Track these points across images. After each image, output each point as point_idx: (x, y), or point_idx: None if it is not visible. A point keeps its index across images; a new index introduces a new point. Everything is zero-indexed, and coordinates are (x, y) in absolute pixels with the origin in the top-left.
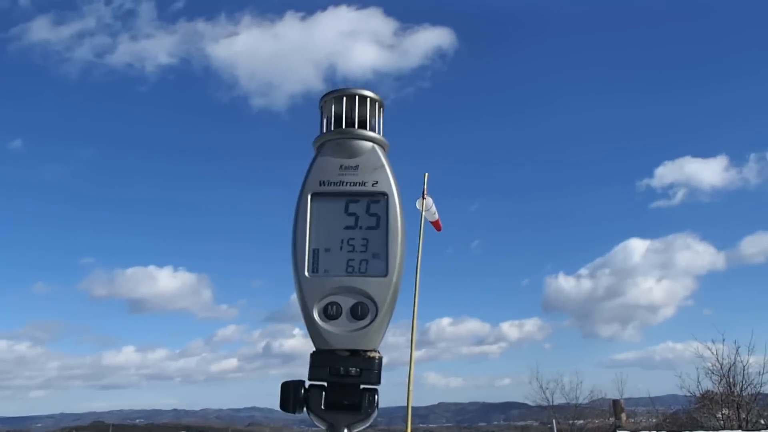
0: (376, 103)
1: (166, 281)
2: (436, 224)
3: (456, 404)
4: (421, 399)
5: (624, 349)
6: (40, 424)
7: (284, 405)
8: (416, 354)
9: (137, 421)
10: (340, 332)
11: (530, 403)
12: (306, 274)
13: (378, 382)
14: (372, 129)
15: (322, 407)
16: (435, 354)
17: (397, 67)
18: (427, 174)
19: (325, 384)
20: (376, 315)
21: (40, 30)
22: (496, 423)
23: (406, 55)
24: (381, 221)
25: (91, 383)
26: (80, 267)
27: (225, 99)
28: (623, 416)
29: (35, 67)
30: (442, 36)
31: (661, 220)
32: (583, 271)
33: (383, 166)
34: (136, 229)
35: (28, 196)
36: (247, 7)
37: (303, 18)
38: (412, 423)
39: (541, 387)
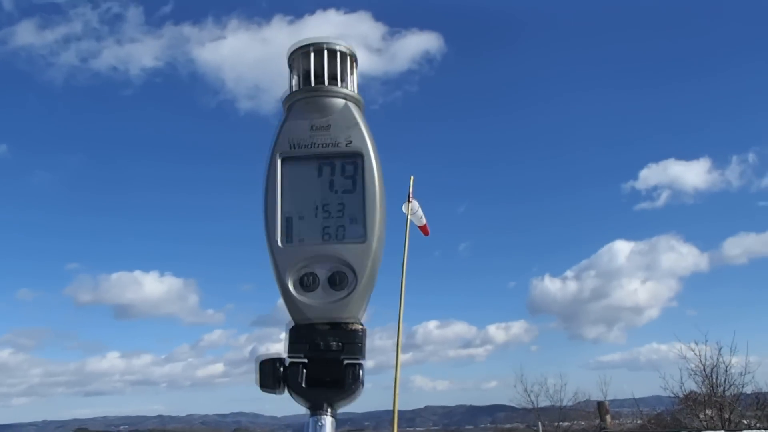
0: (348, 57)
1: (152, 286)
2: (423, 229)
3: (443, 407)
4: (407, 402)
5: (609, 351)
6: None
7: (263, 383)
8: (403, 357)
9: (121, 428)
10: (318, 304)
11: (516, 406)
12: (279, 243)
13: (362, 356)
14: (344, 84)
15: (303, 385)
16: (422, 357)
17: (385, 71)
18: (413, 177)
19: (305, 360)
20: (356, 284)
21: (25, 34)
22: (483, 426)
23: (394, 59)
24: (357, 183)
25: (75, 390)
26: (65, 273)
27: (212, 103)
28: (608, 418)
29: (20, 72)
30: (429, 40)
31: (645, 221)
32: (569, 273)
33: (357, 124)
34: (122, 234)
35: (14, 202)
36: (234, 11)
37: (291, 22)
38: (398, 426)
39: (525, 390)
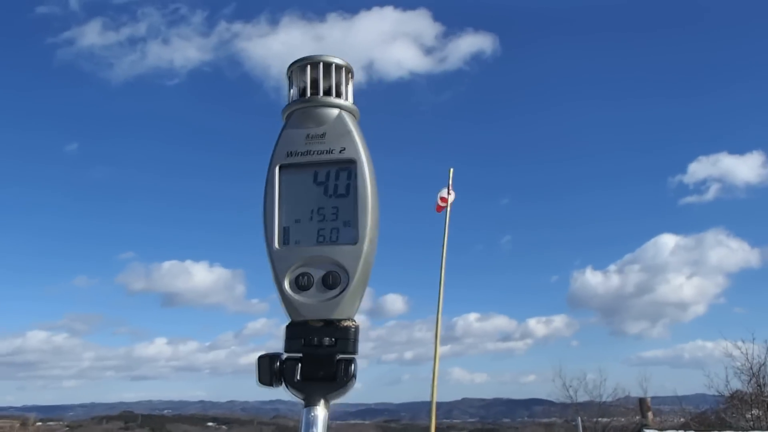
0: (343, 69)
1: (201, 276)
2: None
3: (480, 400)
4: (445, 394)
5: (652, 347)
6: (72, 413)
7: (261, 378)
8: (441, 349)
9: (165, 411)
10: (312, 302)
11: (554, 401)
12: (276, 245)
13: (354, 351)
14: (339, 96)
15: (297, 379)
16: (461, 350)
17: (436, 70)
18: (452, 169)
19: (301, 356)
20: (348, 284)
21: (91, 35)
22: (520, 419)
23: (446, 59)
24: (350, 188)
25: (123, 374)
26: (120, 261)
27: (261, 97)
28: (650, 415)
29: (83, 72)
30: (483, 41)
31: (692, 215)
32: (612, 267)
33: (350, 132)
34: (176, 224)
35: (78, 195)
36: (289, 8)
37: (345, 18)
38: (436, 418)
39: (564, 384)
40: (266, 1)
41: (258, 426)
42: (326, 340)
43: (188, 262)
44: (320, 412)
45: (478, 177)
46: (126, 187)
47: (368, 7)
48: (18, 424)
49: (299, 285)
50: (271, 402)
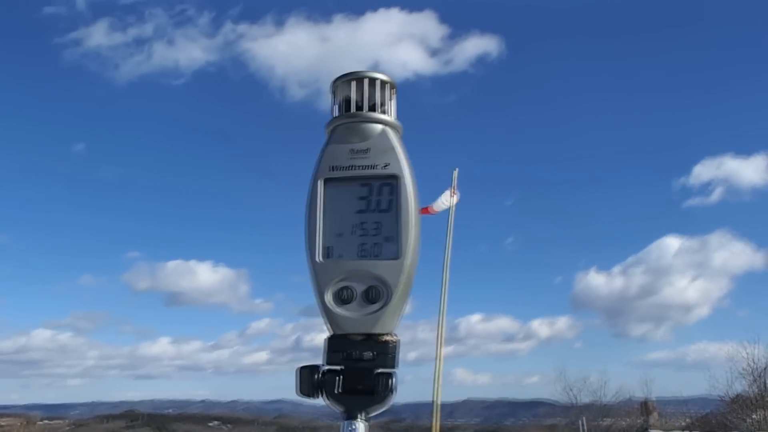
0: (387, 85)
1: (205, 276)
2: (426, 209)
3: (483, 401)
4: (448, 395)
5: (655, 349)
6: (75, 412)
7: (301, 390)
8: (445, 350)
9: (168, 410)
10: (353, 316)
11: (557, 402)
12: (318, 259)
13: (394, 366)
14: (383, 111)
15: (338, 391)
16: (464, 351)
17: (443, 72)
18: (456, 170)
19: (341, 368)
20: (389, 298)
21: (98, 35)
22: (523, 421)
23: (451, 61)
24: (393, 204)
25: (126, 373)
26: (126, 260)
27: (268, 97)
28: (655, 415)
29: (91, 72)
30: (488, 43)
31: (696, 218)
32: (616, 268)
33: (394, 148)
34: (182, 223)
35: (86, 194)
36: (295, 9)
37: (351, 19)
38: (439, 419)
39: (566, 386)
40: (272, 2)
41: (260, 425)
42: (366, 354)
43: (193, 262)
44: (360, 425)
45: (483, 178)
46: (133, 187)
47: (374, 9)
48: (22, 423)
49: (341, 298)
50: (273, 402)
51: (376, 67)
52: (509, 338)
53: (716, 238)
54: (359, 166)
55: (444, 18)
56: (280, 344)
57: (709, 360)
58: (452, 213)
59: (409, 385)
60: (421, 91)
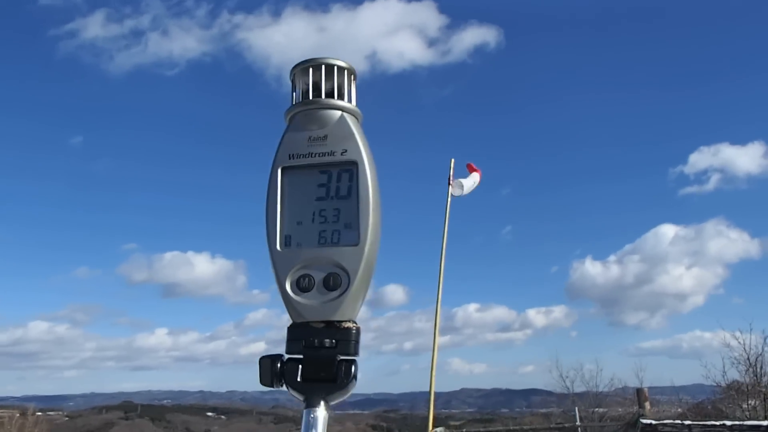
0: (345, 71)
1: (202, 267)
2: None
3: (478, 390)
4: (443, 384)
5: (650, 338)
6: (72, 403)
7: (262, 379)
8: (440, 340)
9: (165, 401)
10: (313, 304)
11: (552, 391)
12: (278, 247)
13: (355, 353)
14: (343, 98)
15: (298, 380)
16: (460, 340)
17: (438, 62)
18: (453, 160)
19: (302, 357)
20: (349, 285)
21: (94, 27)
22: (518, 409)
23: (449, 52)
24: (352, 190)
25: (123, 364)
26: (122, 252)
27: (263, 88)
28: (647, 405)
29: (86, 64)
30: (486, 34)
31: (693, 206)
32: (612, 257)
33: (353, 134)
34: (179, 215)
35: (82, 187)
36: None
37: (349, 9)
38: (434, 408)
39: (560, 375)
40: None
41: (257, 416)
42: (327, 342)
43: (190, 253)
44: (320, 413)
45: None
46: (128, 179)
47: None
48: (18, 414)
49: (300, 286)
50: (270, 392)
51: (372, 57)
52: (505, 328)
53: (712, 227)
54: (318, 153)
55: (443, 8)
56: (277, 335)
57: (704, 348)
58: (449, 204)
59: (405, 375)
60: (419, 82)
